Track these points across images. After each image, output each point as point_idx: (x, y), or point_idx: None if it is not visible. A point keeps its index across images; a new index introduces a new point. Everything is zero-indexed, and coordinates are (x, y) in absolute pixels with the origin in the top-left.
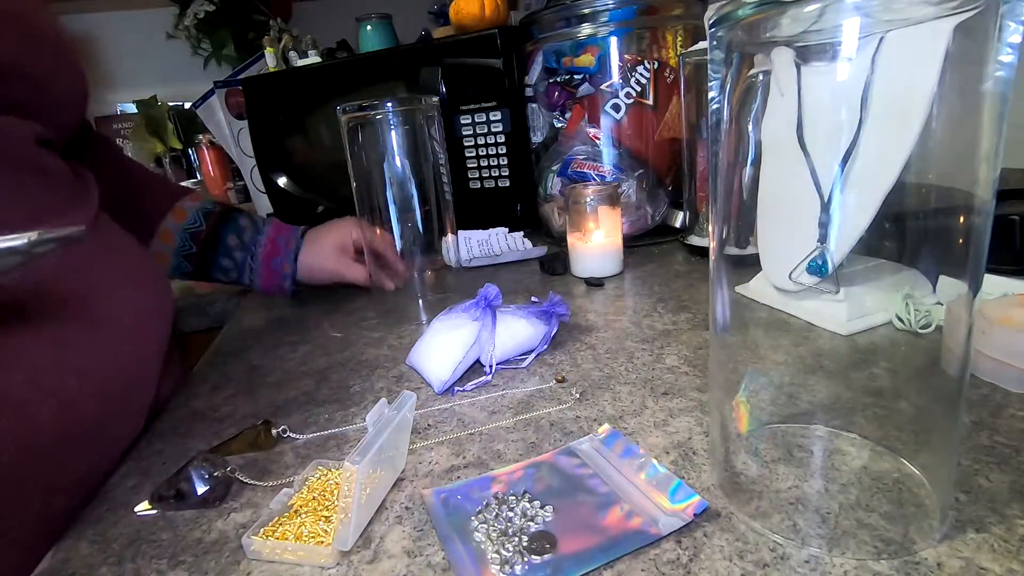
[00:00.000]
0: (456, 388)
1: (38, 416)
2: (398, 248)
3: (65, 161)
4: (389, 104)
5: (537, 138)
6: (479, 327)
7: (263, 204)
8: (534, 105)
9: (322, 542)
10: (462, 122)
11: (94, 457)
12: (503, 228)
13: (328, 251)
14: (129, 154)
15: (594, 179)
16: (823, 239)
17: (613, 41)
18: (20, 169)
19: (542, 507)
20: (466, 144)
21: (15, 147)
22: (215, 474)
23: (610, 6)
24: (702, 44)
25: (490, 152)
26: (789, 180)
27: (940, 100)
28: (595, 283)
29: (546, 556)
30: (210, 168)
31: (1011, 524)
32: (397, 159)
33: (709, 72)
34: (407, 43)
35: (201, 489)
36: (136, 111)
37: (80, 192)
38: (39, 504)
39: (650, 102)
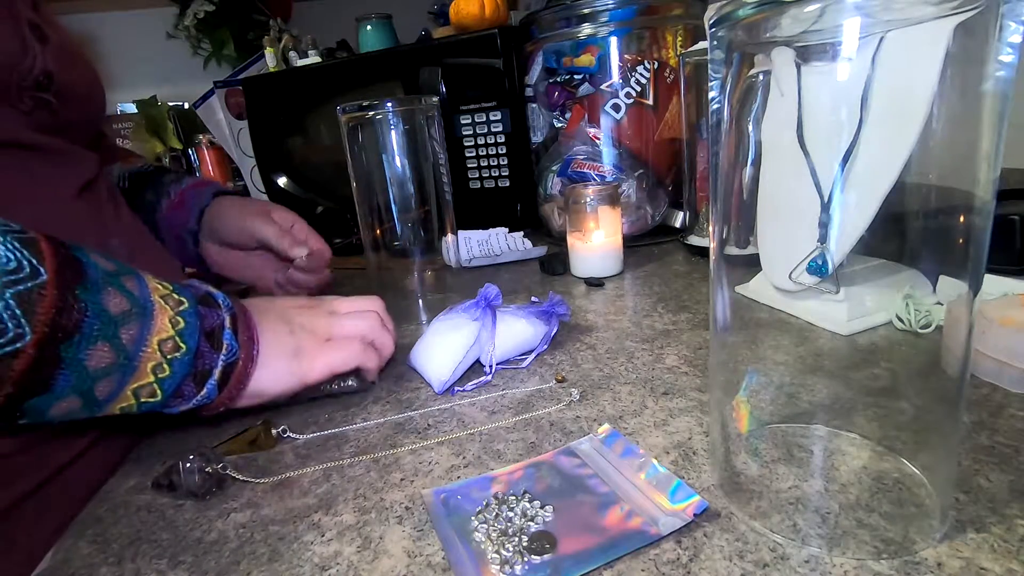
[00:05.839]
0: (456, 388)
1: None
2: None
3: (68, 143)
4: (389, 104)
5: (537, 138)
6: (479, 327)
7: None
8: (534, 105)
9: None
10: (462, 122)
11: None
12: (503, 228)
13: (247, 210)
14: None
15: (594, 179)
16: (823, 239)
17: (613, 41)
18: (15, 147)
19: (542, 507)
20: (466, 144)
21: (9, 132)
22: (206, 469)
23: (610, 6)
24: (702, 44)
25: (490, 152)
26: (789, 180)
27: (940, 100)
28: (595, 283)
29: (546, 556)
30: (210, 168)
31: (1011, 524)
32: (397, 159)
33: (709, 72)
34: (407, 43)
35: (191, 481)
36: (136, 111)
37: (72, 165)
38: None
39: (650, 102)
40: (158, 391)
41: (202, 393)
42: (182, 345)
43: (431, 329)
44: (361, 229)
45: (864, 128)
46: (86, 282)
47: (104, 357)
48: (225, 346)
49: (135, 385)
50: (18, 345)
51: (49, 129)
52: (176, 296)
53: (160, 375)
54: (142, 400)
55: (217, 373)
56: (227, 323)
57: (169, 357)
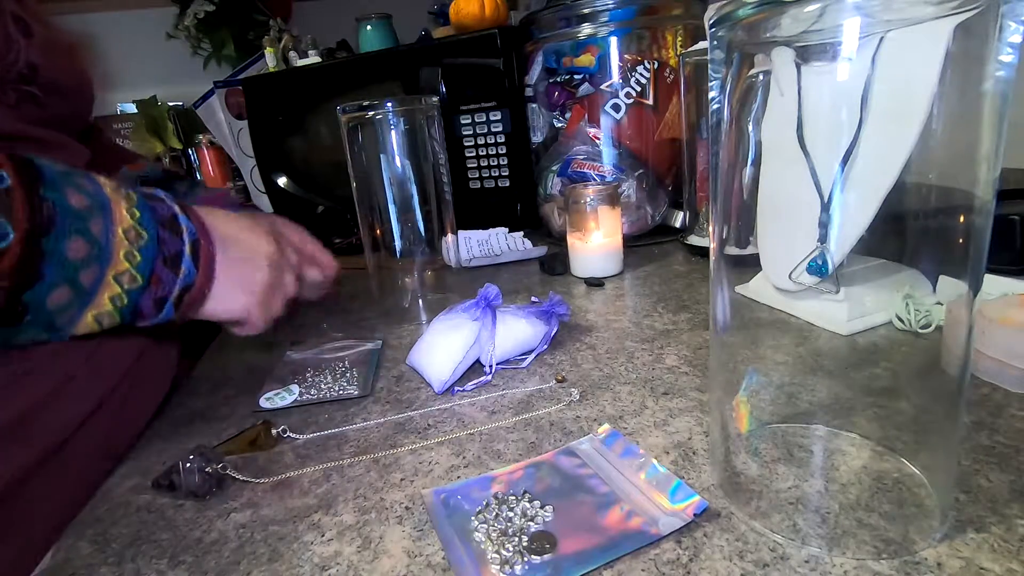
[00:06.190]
0: (456, 388)
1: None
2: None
3: (61, 134)
4: (389, 104)
5: (537, 138)
6: (479, 327)
7: (263, 204)
8: (534, 105)
9: None
10: (462, 122)
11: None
12: (503, 228)
13: None
14: None
15: (594, 179)
16: (823, 239)
17: (613, 41)
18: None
19: (542, 507)
20: (466, 144)
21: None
22: (207, 469)
23: (610, 6)
24: (702, 44)
25: (490, 152)
26: (789, 180)
27: (940, 100)
28: (595, 283)
29: (546, 556)
30: (210, 168)
31: (1011, 524)
32: (397, 159)
33: (709, 72)
34: (407, 43)
35: (191, 481)
36: (136, 111)
37: (58, 155)
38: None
39: (650, 102)
40: (137, 276)
41: (182, 272)
42: (143, 233)
43: (431, 329)
44: (361, 229)
45: (864, 128)
46: (46, 182)
47: (81, 248)
48: (184, 228)
49: (114, 272)
50: (3, 244)
51: (36, 122)
52: (123, 189)
53: (133, 261)
54: (126, 287)
55: (187, 250)
56: (177, 211)
57: (136, 244)
